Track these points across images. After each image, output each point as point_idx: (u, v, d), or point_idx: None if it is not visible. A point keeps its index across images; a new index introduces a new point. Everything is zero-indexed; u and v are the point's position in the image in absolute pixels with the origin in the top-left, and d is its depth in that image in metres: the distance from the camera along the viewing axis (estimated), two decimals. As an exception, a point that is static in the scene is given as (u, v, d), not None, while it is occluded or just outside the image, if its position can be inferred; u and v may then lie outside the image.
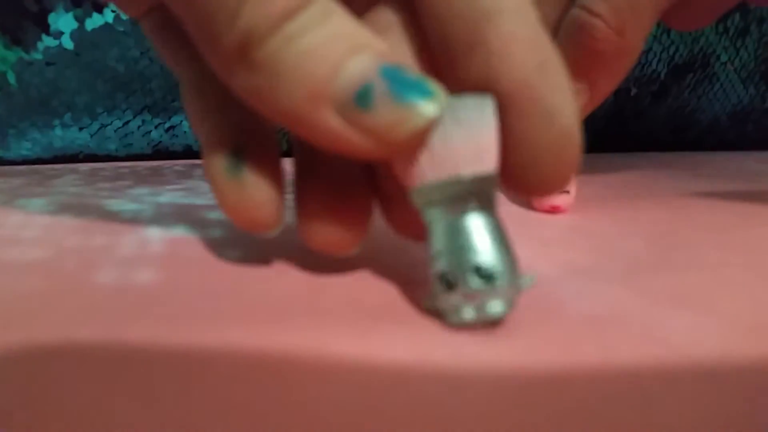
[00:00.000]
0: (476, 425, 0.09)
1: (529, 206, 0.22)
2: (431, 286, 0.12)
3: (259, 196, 0.13)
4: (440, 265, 0.12)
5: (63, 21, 0.32)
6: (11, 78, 0.32)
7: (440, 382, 0.10)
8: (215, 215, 0.21)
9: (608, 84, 0.19)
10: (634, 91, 0.38)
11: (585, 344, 0.11)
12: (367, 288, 0.14)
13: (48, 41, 0.32)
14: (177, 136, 0.35)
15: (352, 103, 0.11)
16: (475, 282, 0.11)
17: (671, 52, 0.38)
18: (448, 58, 0.12)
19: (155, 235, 0.18)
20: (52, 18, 0.32)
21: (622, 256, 0.17)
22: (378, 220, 0.15)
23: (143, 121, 0.34)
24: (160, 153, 0.35)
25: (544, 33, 0.12)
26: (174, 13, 0.12)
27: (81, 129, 0.33)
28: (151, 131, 0.34)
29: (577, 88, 0.19)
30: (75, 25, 0.32)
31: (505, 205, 0.23)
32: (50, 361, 0.10)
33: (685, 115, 0.40)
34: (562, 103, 0.12)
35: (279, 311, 0.13)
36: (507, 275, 0.11)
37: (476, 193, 0.11)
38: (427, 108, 0.11)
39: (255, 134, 0.14)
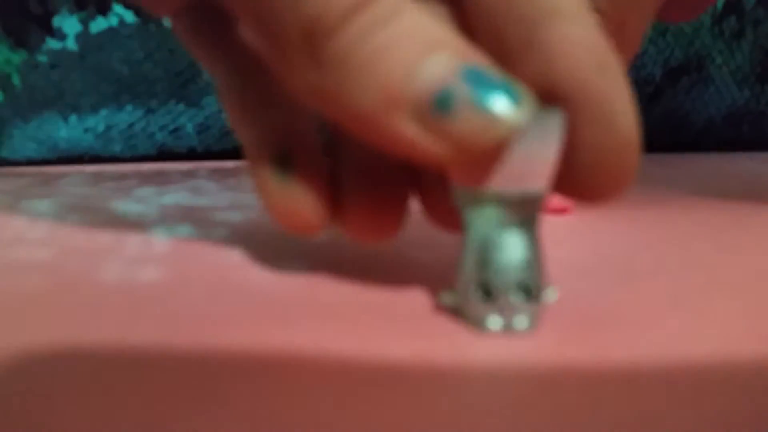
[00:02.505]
0: (474, 424, 0.09)
1: None
2: (459, 287, 0.12)
3: (308, 201, 0.13)
4: (480, 274, 0.11)
5: (67, 23, 0.32)
6: (16, 80, 0.32)
7: (440, 381, 0.10)
8: (219, 216, 0.21)
9: None
10: (630, 93, 0.39)
11: (580, 345, 0.11)
12: (371, 287, 0.14)
13: (52, 43, 0.32)
14: (181, 138, 0.35)
15: (430, 109, 0.10)
16: (515, 298, 0.11)
17: (666, 55, 0.38)
18: (503, 57, 0.11)
19: (160, 235, 0.19)
20: (56, 21, 0.32)
21: (618, 256, 0.17)
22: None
23: (148, 123, 0.34)
24: (164, 154, 0.36)
25: (603, 36, 0.11)
26: (225, 4, 0.11)
27: (86, 130, 0.34)
28: (155, 133, 0.35)
29: None
30: (79, 27, 0.32)
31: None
32: (52, 363, 0.10)
33: (681, 117, 0.41)
34: (623, 106, 0.11)
35: (281, 311, 0.13)
36: (540, 293, 0.12)
37: (525, 209, 0.11)
38: (515, 114, 0.10)
39: (300, 135, 0.14)
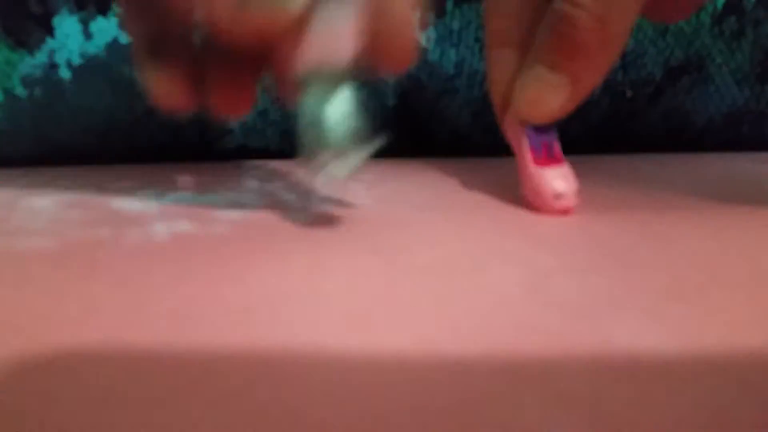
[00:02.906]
0: (474, 410, 0.09)
1: (541, 210, 0.22)
2: (303, 148, 0.15)
3: (174, 82, 0.18)
4: (312, 132, 0.15)
5: (67, 23, 0.32)
6: (16, 80, 0.32)
7: (440, 369, 0.10)
8: (220, 214, 0.21)
9: (591, 77, 0.20)
10: (629, 93, 0.39)
11: (581, 333, 0.12)
12: (366, 279, 0.14)
13: (52, 43, 0.32)
14: (182, 138, 0.35)
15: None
16: (341, 149, 0.15)
17: (666, 55, 0.38)
18: None
19: (160, 230, 0.19)
20: (56, 20, 0.32)
21: (618, 252, 0.17)
22: (373, 221, 0.15)
23: (148, 123, 0.34)
24: (165, 155, 0.36)
25: None
26: None
27: (86, 130, 0.34)
28: (156, 133, 0.35)
29: (560, 81, 0.20)
30: (79, 27, 0.32)
31: (511, 210, 0.23)
32: (52, 362, 0.10)
33: (681, 117, 0.41)
34: (402, 3, 0.16)
35: (280, 306, 0.13)
36: (360, 142, 0.15)
37: (338, 79, 0.15)
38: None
39: (170, 35, 0.18)
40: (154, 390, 0.10)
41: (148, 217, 0.20)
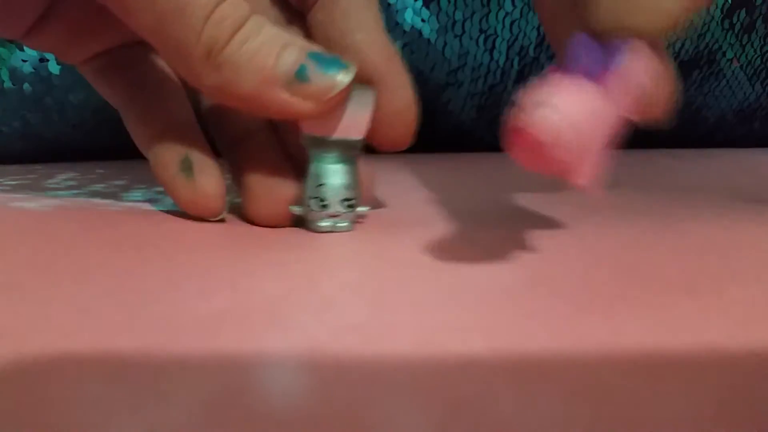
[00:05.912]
0: (480, 407, 0.09)
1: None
2: (304, 202, 0.17)
3: (209, 191, 0.18)
4: (318, 192, 0.17)
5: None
6: (5, 75, 0.31)
7: (445, 365, 0.10)
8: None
9: None
10: (639, 87, 0.38)
11: (591, 327, 0.11)
12: (369, 276, 0.14)
13: (42, 37, 0.31)
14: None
15: (294, 79, 0.16)
16: (341, 207, 0.17)
17: (677, 49, 0.37)
18: (330, 50, 0.17)
19: (151, 229, 0.18)
20: (46, 13, 0.31)
21: (629, 245, 0.17)
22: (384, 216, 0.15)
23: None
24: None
25: (390, 42, 0.18)
26: (147, 41, 0.16)
27: (74, 126, 0.33)
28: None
29: None
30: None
31: (517, 203, 0.22)
32: (45, 370, 0.10)
33: (692, 112, 0.40)
34: (403, 82, 0.18)
35: (277, 307, 0.12)
36: (356, 206, 0.17)
37: (349, 150, 0.17)
38: (346, 74, 0.16)
39: (195, 145, 0.19)
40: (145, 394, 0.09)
41: (138, 216, 0.20)
